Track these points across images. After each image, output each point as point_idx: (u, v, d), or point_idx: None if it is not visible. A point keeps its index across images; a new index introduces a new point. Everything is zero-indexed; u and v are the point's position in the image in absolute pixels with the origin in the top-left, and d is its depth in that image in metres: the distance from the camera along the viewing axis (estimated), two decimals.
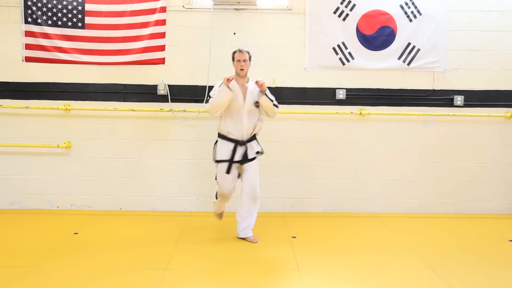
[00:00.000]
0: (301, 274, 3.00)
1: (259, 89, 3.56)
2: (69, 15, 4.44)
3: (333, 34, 4.51)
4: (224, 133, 3.63)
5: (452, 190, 4.66)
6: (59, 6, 4.42)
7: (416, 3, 4.48)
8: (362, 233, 3.97)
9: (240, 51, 3.61)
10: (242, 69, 3.58)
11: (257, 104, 3.59)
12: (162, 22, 4.48)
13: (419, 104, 4.60)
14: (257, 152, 3.65)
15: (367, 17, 4.49)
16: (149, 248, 3.47)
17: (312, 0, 4.49)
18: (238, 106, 3.57)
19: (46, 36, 4.44)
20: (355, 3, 4.48)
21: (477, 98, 4.60)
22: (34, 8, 4.41)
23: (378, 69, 4.55)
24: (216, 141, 3.70)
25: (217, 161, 3.63)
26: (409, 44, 4.52)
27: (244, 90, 3.60)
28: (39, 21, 4.43)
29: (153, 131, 4.57)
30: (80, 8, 4.44)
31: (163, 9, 4.47)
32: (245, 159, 3.60)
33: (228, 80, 3.46)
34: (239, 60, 3.58)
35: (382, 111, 4.59)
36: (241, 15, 4.52)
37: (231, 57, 3.50)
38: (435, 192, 4.66)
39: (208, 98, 3.64)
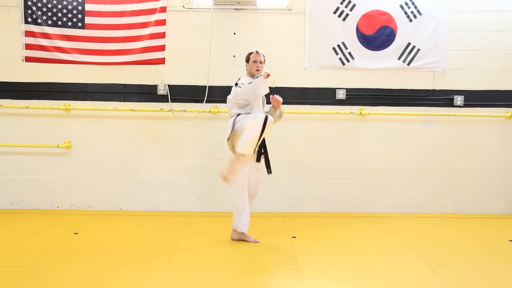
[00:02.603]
0: (301, 274, 3.00)
1: (272, 104, 3.59)
2: (69, 15, 4.44)
3: (333, 34, 4.51)
4: None
5: (452, 190, 4.66)
6: (59, 6, 4.43)
7: (416, 3, 4.48)
8: (362, 233, 3.96)
9: (257, 52, 3.61)
10: (258, 70, 3.58)
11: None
12: (162, 22, 4.48)
13: (419, 104, 4.60)
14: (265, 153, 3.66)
15: (367, 17, 4.50)
16: (149, 248, 3.46)
17: (312, 0, 4.49)
18: (258, 104, 3.57)
19: (46, 36, 4.44)
20: (355, 3, 4.48)
21: (477, 98, 4.60)
22: (34, 8, 4.41)
23: (378, 69, 4.55)
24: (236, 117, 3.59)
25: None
26: (409, 44, 4.52)
27: None
28: (39, 21, 4.43)
29: (153, 131, 4.57)
30: (80, 8, 4.44)
31: (163, 9, 4.47)
32: (258, 156, 3.62)
33: (268, 75, 3.32)
34: (255, 61, 3.59)
35: (382, 111, 4.59)
36: (241, 15, 4.53)
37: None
38: (435, 192, 4.66)
39: (237, 87, 3.51)
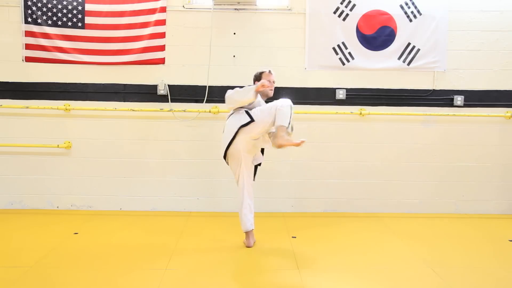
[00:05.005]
0: (301, 274, 3.00)
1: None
2: (69, 15, 4.44)
3: (333, 34, 4.51)
4: None
5: (452, 190, 4.66)
6: (59, 6, 4.43)
7: (416, 3, 4.48)
8: (362, 233, 3.96)
9: (270, 72, 3.59)
10: (271, 90, 3.56)
11: None
12: (162, 22, 4.48)
13: (419, 104, 4.60)
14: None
15: (367, 17, 4.50)
16: (149, 248, 3.47)
17: (312, 0, 4.49)
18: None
19: (46, 36, 4.44)
20: (355, 3, 4.48)
21: (477, 98, 4.60)
22: (34, 8, 4.41)
23: (378, 69, 4.55)
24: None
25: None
26: (409, 44, 4.52)
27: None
28: (39, 21, 4.43)
29: (153, 131, 4.57)
30: (80, 8, 4.44)
31: (163, 9, 4.47)
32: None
33: (263, 86, 3.29)
34: (268, 81, 3.53)
35: (382, 111, 4.59)
36: (241, 15, 4.53)
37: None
38: (435, 192, 4.66)
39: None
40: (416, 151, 4.64)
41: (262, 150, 3.70)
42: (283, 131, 3.27)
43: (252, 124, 3.34)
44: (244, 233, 3.56)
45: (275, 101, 3.36)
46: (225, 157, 3.55)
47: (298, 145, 3.27)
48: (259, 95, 3.48)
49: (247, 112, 3.37)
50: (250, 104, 3.40)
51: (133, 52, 4.48)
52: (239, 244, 3.59)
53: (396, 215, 4.57)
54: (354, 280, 2.93)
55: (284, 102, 3.33)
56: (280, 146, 3.27)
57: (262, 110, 3.36)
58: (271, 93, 3.57)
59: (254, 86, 3.31)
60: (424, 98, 4.60)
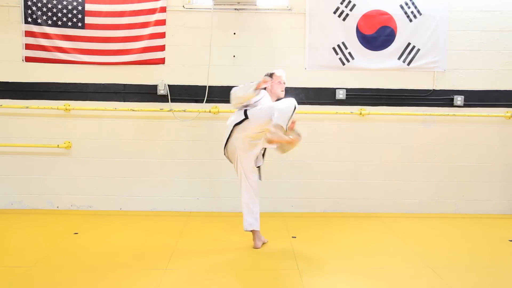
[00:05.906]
0: (301, 274, 3.00)
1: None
2: (69, 15, 4.44)
3: (333, 34, 4.51)
4: None
5: (452, 190, 4.66)
6: (59, 6, 4.43)
7: (416, 3, 4.48)
8: (362, 233, 3.96)
9: (280, 73, 3.57)
10: (282, 91, 3.55)
11: None
12: (162, 22, 4.48)
13: (419, 104, 4.60)
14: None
15: (367, 17, 4.50)
16: (149, 248, 3.47)
17: (312, 0, 4.49)
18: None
19: (46, 36, 4.44)
20: (355, 3, 4.48)
21: (477, 98, 4.60)
22: (34, 8, 4.41)
23: (378, 69, 4.55)
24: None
25: None
26: (409, 44, 4.52)
27: None
28: (39, 21, 4.43)
29: (153, 131, 4.57)
30: (80, 8, 4.44)
31: (163, 9, 4.47)
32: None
33: (264, 82, 3.22)
34: (280, 82, 3.54)
35: (382, 111, 4.59)
36: (241, 15, 4.53)
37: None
38: (435, 192, 4.66)
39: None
40: (416, 151, 4.64)
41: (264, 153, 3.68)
42: (278, 129, 3.09)
43: (245, 122, 3.30)
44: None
45: (278, 101, 3.34)
46: (225, 154, 3.55)
47: (290, 142, 3.12)
48: (268, 96, 3.48)
49: (244, 111, 3.35)
50: (255, 102, 3.36)
51: (133, 52, 4.48)
52: (239, 244, 3.59)
53: (396, 215, 4.57)
54: (354, 280, 2.93)
55: (287, 102, 3.20)
56: (270, 142, 3.12)
57: (261, 109, 3.31)
58: (282, 94, 3.55)
59: (255, 82, 3.24)
60: (424, 98, 4.60)
